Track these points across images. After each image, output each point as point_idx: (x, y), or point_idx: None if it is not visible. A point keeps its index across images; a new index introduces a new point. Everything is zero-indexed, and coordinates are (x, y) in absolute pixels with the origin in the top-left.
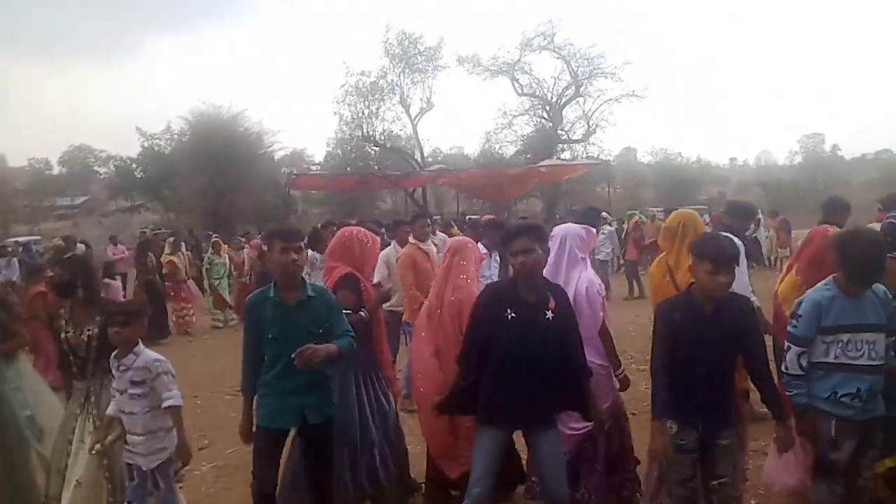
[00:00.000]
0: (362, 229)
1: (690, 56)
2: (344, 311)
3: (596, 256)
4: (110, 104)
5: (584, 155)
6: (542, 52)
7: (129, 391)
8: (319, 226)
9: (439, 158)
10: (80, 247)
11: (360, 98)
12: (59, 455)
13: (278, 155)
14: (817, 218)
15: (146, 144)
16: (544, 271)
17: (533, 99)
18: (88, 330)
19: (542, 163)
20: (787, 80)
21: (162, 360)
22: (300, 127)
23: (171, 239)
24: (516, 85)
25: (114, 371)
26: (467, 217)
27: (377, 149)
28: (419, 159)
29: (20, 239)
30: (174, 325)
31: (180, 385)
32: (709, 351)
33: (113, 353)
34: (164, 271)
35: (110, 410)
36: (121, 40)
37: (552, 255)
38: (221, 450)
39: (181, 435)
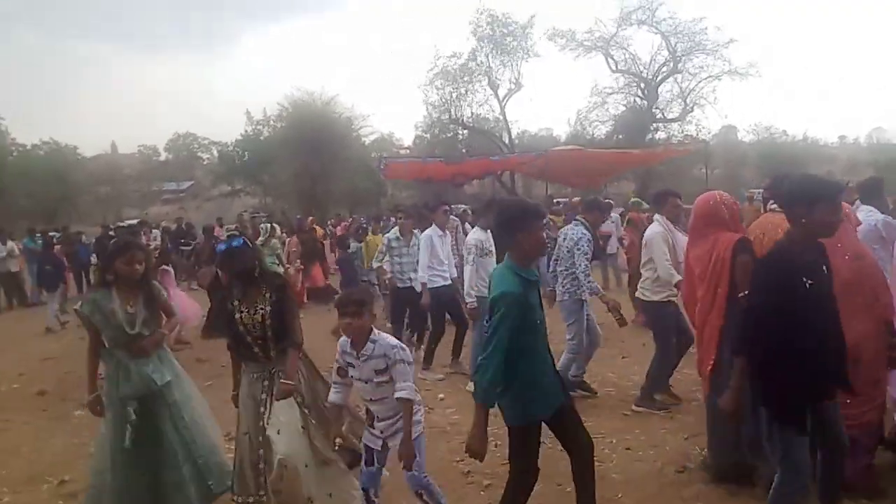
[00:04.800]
0: (724, 193)
1: (798, 29)
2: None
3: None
4: (212, 92)
5: (682, 134)
6: (640, 28)
7: (375, 380)
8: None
9: (526, 139)
10: (155, 232)
11: (449, 81)
12: (253, 445)
13: (369, 140)
14: None
15: (251, 130)
16: None
17: (628, 76)
18: (262, 308)
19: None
20: None
21: (400, 347)
22: (389, 112)
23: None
24: (610, 62)
25: (352, 360)
26: (555, 200)
27: (465, 131)
28: (507, 141)
29: (129, 222)
30: None
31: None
32: None
33: (348, 343)
34: None
35: (333, 398)
36: (220, 30)
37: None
38: None
39: (407, 430)
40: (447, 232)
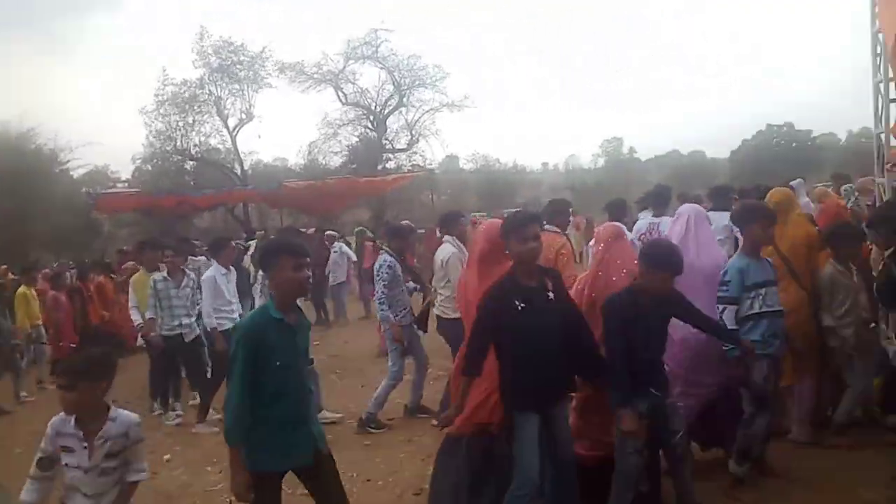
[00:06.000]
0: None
1: (506, 66)
2: None
3: (332, 282)
4: None
5: (409, 164)
6: (366, 63)
7: (102, 465)
8: (125, 249)
9: (261, 169)
10: None
11: (177, 109)
12: None
13: (78, 173)
14: None
15: None
16: (686, 249)
17: (357, 109)
18: None
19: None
20: (588, 87)
21: (139, 424)
22: (102, 143)
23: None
24: (340, 94)
25: (75, 444)
26: (299, 230)
27: (193, 163)
28: (239, 172)
29: None
30: None
31: None
32: (652, 332)
33: (69, 422)
34: None
35: (27, 499)
36: None
37: (682, 235)
38: None
39: None
40: (232, 269)
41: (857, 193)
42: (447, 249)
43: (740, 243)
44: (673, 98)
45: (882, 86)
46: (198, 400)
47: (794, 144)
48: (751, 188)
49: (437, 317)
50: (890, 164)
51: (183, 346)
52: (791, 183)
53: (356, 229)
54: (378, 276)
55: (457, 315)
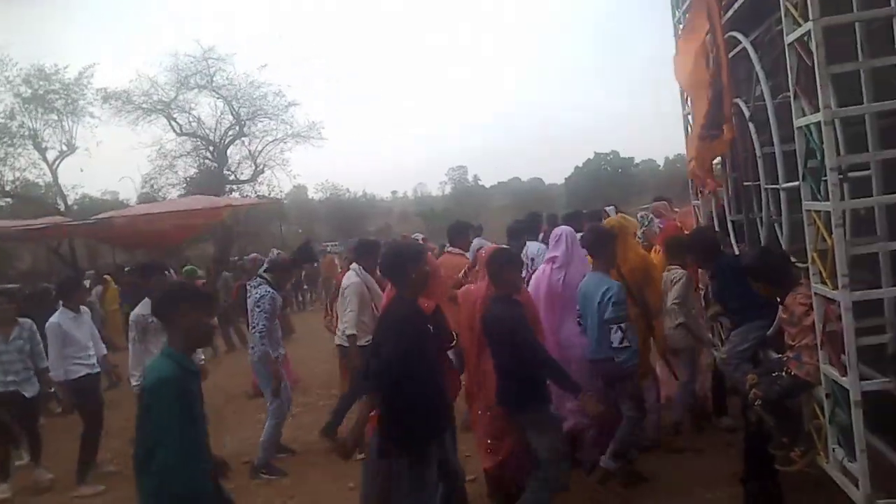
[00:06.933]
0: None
1: (354, 93)
2: None
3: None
4: None
5: (255, 194)
6: (202, 92)
7: None
8: None
9: (87, 204)
10: None
11: None
12: None
13: None
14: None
15: None
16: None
17: (194, 139)
18: None
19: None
20: (432, 116)
21: None
22: None
23: None
24: (174, 125)
25: None
26: (125, 269)
27: (9, 200)
28: (63, 208)
29: None
30: None
31: None
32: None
33: None
34: None
35: None
36: None
37: (566, 254)
38: None
39: None
40: (83, 310)
41: (651, 216)
42: (350, 278)
43: None
44: (510, 129)
45: (690, 117)
46: (25, 460)
47: (619, 170)
48: (572, 213)
49: (341, 346)
50: (704, 190)
51: (21, 402)
52: (605, 208)
53: (184, 268)
54: (259, 307)
55: (362, 342)
